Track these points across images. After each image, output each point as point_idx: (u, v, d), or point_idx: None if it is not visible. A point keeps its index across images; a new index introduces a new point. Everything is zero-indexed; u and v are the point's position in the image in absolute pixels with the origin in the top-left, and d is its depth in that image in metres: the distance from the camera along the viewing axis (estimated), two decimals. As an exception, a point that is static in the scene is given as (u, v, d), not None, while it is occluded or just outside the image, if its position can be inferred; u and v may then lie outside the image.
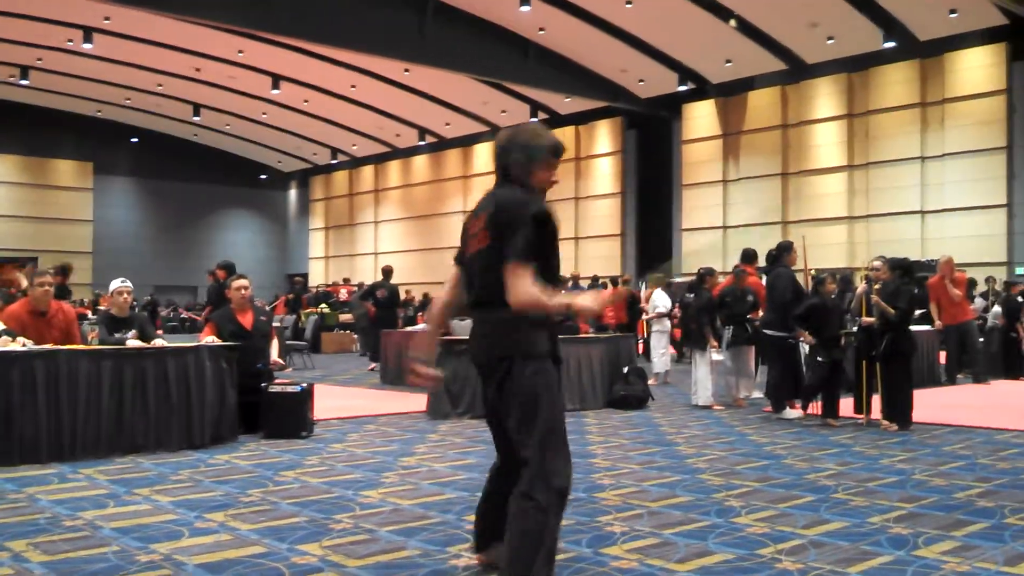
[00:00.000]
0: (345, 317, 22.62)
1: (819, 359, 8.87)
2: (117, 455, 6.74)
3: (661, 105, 28.56)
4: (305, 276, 36.25)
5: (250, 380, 7.79)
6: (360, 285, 25.32)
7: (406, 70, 27.85)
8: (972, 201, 22.21)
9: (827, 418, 8.75)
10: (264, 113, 35.45)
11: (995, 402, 10.96)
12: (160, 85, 32.76)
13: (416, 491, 5.56)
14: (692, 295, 10.72)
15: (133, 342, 7.38)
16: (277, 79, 30.59)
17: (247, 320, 8.30)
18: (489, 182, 3.62)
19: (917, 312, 10.71)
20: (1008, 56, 21.87)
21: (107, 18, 25.42)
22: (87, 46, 27.09)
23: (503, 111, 31.81)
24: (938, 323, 13.12)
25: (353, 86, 30.85)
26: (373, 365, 15.06)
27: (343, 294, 25.92)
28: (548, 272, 3.33)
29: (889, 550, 4.22)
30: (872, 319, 8.50)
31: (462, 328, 9.09)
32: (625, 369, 10.35)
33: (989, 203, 21.99)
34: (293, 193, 45.19)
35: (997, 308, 14.74)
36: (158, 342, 7.52)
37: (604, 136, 30.74)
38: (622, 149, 30.20)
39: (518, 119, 31.93)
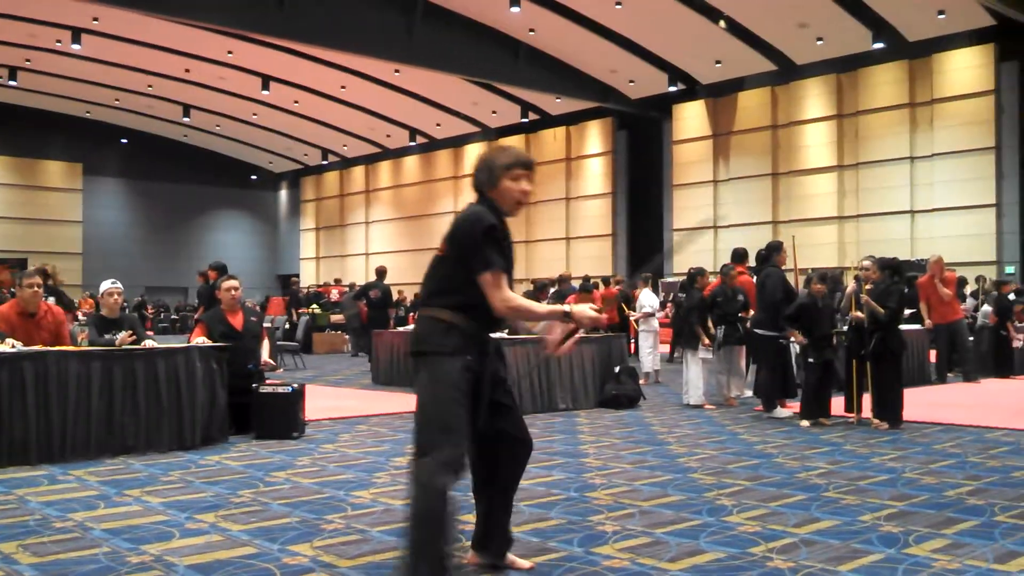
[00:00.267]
0: (336, 318, 22.58)
1: (810, 360, 8.88)
2: (107, 456, 6.71)
3: (651, 106, 28.59)
4: (297, 277, 36.18)
5: (241, 381, 7.78)
6: (351, 286, 25.27)
7: (396, 71, 27.82)
8: (961, 201, 22.29)
9: (806, 418, 8.71)
10: (254, 114, 35.36)
11: (985, 401, 11.00)
12: (150, 86, 32.65)
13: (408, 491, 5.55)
14: (683, 295, 10.73)
15: (123, 336, 7.36)
16: (267, 80, 30.53)
17: (237, 321, 8.28)
18: None
19: (907, 312, 10.74)
20: (996, 57, 21.96)
21: (96, 19, 25.33)
22: (76, 47, 26.97)
23: (493, 112, 31.79)
24: (928, 322, 13.17)
25: (343, 87, 30.81)
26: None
27: (334, 295, 25.87)
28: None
29: (880, 548, 4.23)
30: (861, 314, 8.51)
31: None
32: (617, 369, 10.36)
33: (978, 203, 22.08)
34: (284, 194, 45.08)
35: (987, 307, 14.80)
36: (149, 343, 7.50)
37: (595, 137, 30.75)
38: (613, 149, 30.23)
39: (508, 120, 31.99)
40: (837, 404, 9.01)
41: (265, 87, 30.84)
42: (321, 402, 9.90)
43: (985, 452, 6.99)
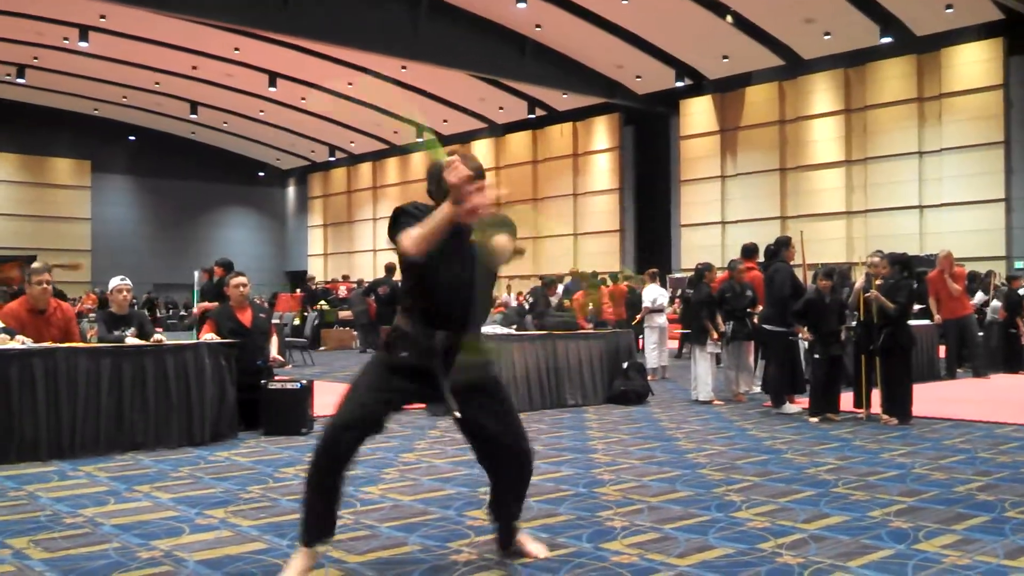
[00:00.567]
0: (344, 314, 22.60)
1: (816, 356, 8.85)
2: (117, 452, 6.73)
3: (658, 101, 28.55)
4: (304, 273, 36.23)
5: (249, 377, 7.79)
6: (359, 282, 25.29)
7: (403, 67, 27.82)
8: (970, 196, 22.23)
9: (814, 414, 8.68)
10: (261, 111, 35.41)
11: (995, 396, 10.96)
12: (157, 83, 32.72)
13: (416, 487, 5.56)
14: (692, 291, 10.71)
15: (132, 340, 7.37)
16: (274, 76, 30.57)
17: (246, 317, 8.29)
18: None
19: (916, 307, 10.71)
20: (1005, 51, 21.87)
21: (103, 16, 25.39)
22: (83, 44, 27.06)
23: (500, 108, 31.79)
24: (937, 317, 13.13)
25: (350, 83, 30.83)
26: None
27: (342, 291, 25.90)
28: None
29: (890, 544, 4.22)
30: (871, 295, 8.43)
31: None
32: (625, 364, 10.35)
33: (987, 198, 22.02)
34: (291, 190, 45.15)
35: (996, 302, 14.74)
36: (158, 338, 7.51)
37: (602, 132, 30.73)
38: (620, 145, 30.20)
39: (515, 116, 31.98)
40: (846, 400, 8.99)
41: (272, 84, 30.88)
42: (330, 398, 9.79)
43: (995, 448, 6.97)
